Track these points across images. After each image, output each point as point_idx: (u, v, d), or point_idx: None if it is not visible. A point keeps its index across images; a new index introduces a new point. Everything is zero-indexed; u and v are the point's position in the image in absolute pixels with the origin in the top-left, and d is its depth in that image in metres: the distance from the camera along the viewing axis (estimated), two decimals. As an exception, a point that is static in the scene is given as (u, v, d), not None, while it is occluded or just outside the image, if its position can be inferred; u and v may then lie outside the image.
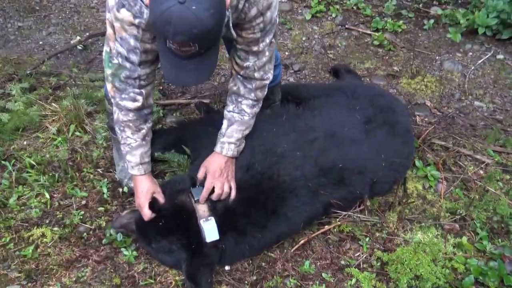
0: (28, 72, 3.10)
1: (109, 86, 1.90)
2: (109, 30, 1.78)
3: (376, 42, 3.74)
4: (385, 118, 2.50)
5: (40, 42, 3.55)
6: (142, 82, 1.86)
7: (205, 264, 1.99)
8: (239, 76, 2.00)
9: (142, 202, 1.97)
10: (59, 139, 2.66)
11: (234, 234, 2.04)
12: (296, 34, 3.82)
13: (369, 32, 3.84)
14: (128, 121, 1.94)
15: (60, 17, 3.77)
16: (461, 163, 2.80)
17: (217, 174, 2.03)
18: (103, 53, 1.88)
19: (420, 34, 3.88)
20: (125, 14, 1.68)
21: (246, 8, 1.74)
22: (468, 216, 2.45)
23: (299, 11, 4.05)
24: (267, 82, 2.03)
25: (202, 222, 1.96)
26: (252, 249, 2.10)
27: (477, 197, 2.52)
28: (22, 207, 2.29)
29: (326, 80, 3.46)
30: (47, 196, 2.34)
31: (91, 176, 2.50)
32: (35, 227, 2.20)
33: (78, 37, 3.57)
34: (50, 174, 2.44)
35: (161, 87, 3.26)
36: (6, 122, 2.67)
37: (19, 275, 2.00)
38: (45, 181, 2.40)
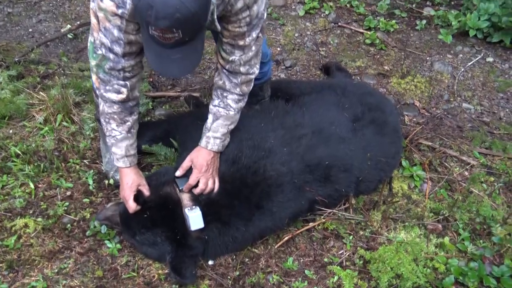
0: (17, 59, 3.06)
1: (94, 77, 1.88)
2: (93, 20, 1.74)
3: (368, 41, 3.75)
4: (373, 117, 2.51)
5: (30, 30, 3.51)
6: (127, 74, 1.84)
7: (189, 256, 2.00)
8: (224, 71, 1.98)
9: (127, 195, 1.96)
10: (46, 128, 2.64)
11: (217, 226, 2.04)
12: (289, 30, 3.81)
13: (361, 30, 3.85)
14: (112, 113, 1.92)
15: (51, 5, 3.72)
16: (446, 164, 2.82)
17: (203, 169, 2.02)
18: (88, 44, 1.85)
19: (412, 34, 3.90)
20: (108, 4, 1.63)
21: (232, 0, 1.72)
22: (451, 217, 2.48)
23: (293, 6, 4.04)
24: (253, 76, 2.01)
25: (187, 211, 1.96)
26: (235, 242, 2.11)
27: (460, 198, 2.55)
28: (6, 197, 2.28)
29: (317, 77, 3.47)
30: (32, 186, 2.32)
31: (77, 167, 2.48)
32: (18, 217, 2.19)
33: (69, 26, 3.53)
34: (36, 164, 2.42)
35: (151, 79, 3.24)
36: (-8, 109, 2.64)
37: (1, 265, 1.99)
38: (30, 171, 2.38)
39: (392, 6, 4.11)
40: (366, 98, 2.63)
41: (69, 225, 2.19)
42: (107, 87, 1.86)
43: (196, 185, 2.02)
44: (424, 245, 2.18)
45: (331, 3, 4.05)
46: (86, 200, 2.32)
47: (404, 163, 2.73)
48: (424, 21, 3.92)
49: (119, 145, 1.98)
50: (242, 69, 1.95)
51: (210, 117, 2.06)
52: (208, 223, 2.00)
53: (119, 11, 1.65)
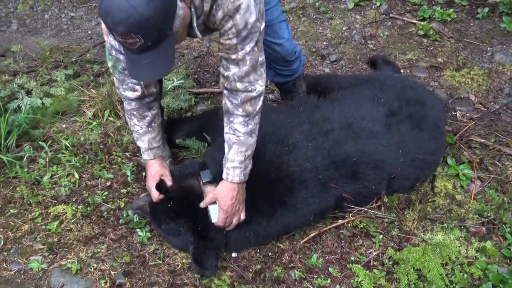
0: (74, 59, 3.31)
1: (113, 77, 1.99)
2: (103, 25, 1.79)
3: (421, 32, 3.55)
4: (411, 112, 2.38)
5: (89, 32, 3.77)
6: None
7: (210, 248, 2.04)
8: (225, 92, 1.91)
9: (150, 184, 2.06)
10: (94, 123, 2.83)
11: (240, 226, 2.06)
12: (337, 24, 3.73)
13: (414, 21, 3.66)
14: (132, 110, 2.02)
15: (109, 8, 3.97)
16: (499, 163, 2.60)
17: (229, 209, 1.98)
18: (106, 47, 1.94)
19: (471, 24, 3.63)
20: None
21: (214, 11, 1.70)
22: (498, 220, 2.28)
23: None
24: (254, 94, 1.86)
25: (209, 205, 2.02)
26: (258, 237, 2.11)
27: (510, 200, 2.34)
28: (54, 185, 2.47)
29: (364, 71, 3.36)
30: (77, 176, 2.50)
31: (119, 159, 2.63)
32: (62, 204, 2.37)
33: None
34: (82, 155, 2.61)
35: (196, 76, 3.34)
36: (49, 106, 2.89)
37: (43, 247, 2.17)
38: (76, 162, 2.57)
39: (452, -6, 3.85)
40: (406, 92, 2.50)
41: (105, 213, 2.33)
42: (124, 86, 1.95)
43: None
44: (458, 248, 2.02)
45: (383, -6, 3.89)
46: (124, 190, 2.46)
47: (449, 161, 2.55)
48: (486, 9, 3.63)
49: (142, 139, 2.07)
50: (239, 85, 1.84)
51: (226, 147, 1.98)
52: (242, 233, 2.05)
53: None
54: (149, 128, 2.07)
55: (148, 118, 2.05)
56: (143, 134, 2.07)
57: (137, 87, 1.94)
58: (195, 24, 1.70)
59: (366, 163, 2.16)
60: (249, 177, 2.04)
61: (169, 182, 2.09)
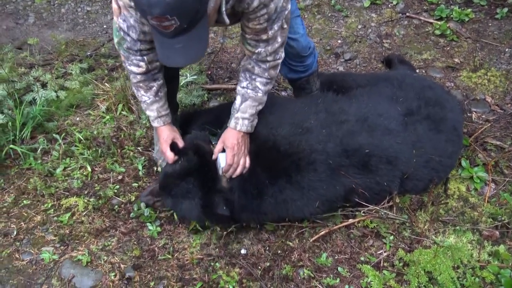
0: (89, 53, 3.34)
1: (119, 52, 2.04)
2: (114, 6, 1.85)
3: (437, 32, 3.50)
4: (429, 113, 2.35)
5: (104, 26, 3.80)
6: (144, 52, 1.95)
7: (219, 197, 2.05)
8: (254, 57, 2.00)
9: (164, 147, 2.10)
10: (108, 117, 2.85)
11: (246, 184, 2.07)
12: (352, 22, 3.69)
13: (431, 20, 3.61)
14: (138, 82, 2.06)
15: (124, 3, 3.99)
16: (515, 166, 2.55)
17: (236, 148, 2.05)
18: (113, 24, 1.97)
19: (490, 24, 3.57)
20: None
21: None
22: (512, 224, 2.24)
23: (359, -2, 3.90)
24: (280, 61, 2.03)
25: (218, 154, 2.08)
26: (261, 205, 2.09)
27: (525, 204, 2.30)
28: (66, 178, 2.50)
29: (378, 70, 3.32)
30: (89, 169, 2.53)
31: (131, 153, 2.65)
32: (74, 196, 2.39)
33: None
34: (94, 149, 2.63)
35: (209, 72, 3.34)
36: (63, 99, 2.91)
37: (54, 238, 2.20)
38: (89, 155, 2.59)
39: (471, -7, 3.80)
40: (425, 92, 2.47)
41: (116, 206, 2.35)
42: (129, 62, 2.00)
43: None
44: (470, 251, 1.99)
45: (400, -7, 3.84)
46: (135, 184, 2.47)
47: (464, 163, 2.52)
48: (505, 9, 3.56)
49: (151, 108, 2.12)
50: (269, 58, 1.97)
51: (238, 99, 2.09)
52: (237, 181, 2.05)
53: (133, 4, 1.74)
54: (156, 98, 2.11)
55: (154, 88, 2.09)
56: (151, 104, 2.11)
57: (141, 63, 1.98)
58: (223, 9, 1.70)
59: (379, 157, 2.13)
60: (260, 148, 2.09)
61: (180, 143, 2.14)
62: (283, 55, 2.02)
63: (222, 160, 2.05)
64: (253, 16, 1.78)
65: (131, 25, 1.83)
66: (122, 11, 1.81)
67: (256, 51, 1.93)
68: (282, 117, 2.22)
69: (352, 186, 2.10)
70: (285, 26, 1.89)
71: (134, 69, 2.00)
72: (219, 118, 2.56)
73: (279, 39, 1.90)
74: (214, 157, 2.10)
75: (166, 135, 2.14)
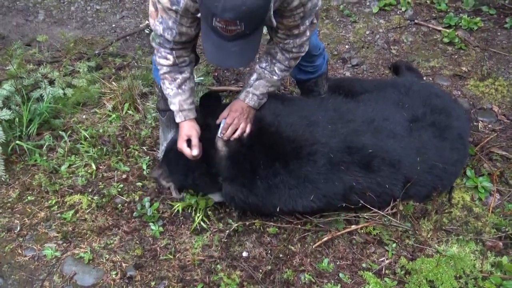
0: (97, 52, 3.36)
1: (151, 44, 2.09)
2: (151, 8, 1.94)
3: (446, 40, 3.49)
4: (435, 120, 2.34)
5: (113, 25, 3.81)
6: (174, 49, 1.99)
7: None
8: (280, 45, 2.07)
9: (180, 144, 2.10)
10: (114, 116, 2.86)
11: (238, 156, 2.10)
12: (360, 28, 3.69)
13: (440, 28, 3.59)
14: (164, 73, 2.08)
15: (133, 2, 4.01)
16: (521, 177, 2.54)
17: (238, 112, 2.11)
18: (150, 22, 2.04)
19: (498, 33, 3.55)
20: (163, 0, 1.79)
21: None
22: (516, 235, 2.23)
23: (367, 3, 3.90)
24: (303, 54, 2.12)
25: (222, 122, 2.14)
26: (251, 186, 2.09)
27: (530, 215, 2.28)
28: (71, 175, 2.51)
29: (385, 77, 3.31)
30: (94, 167, 2.54)
31: (136, 153, 2.65)
32: (78, 194, 2.40)
33: (147, 22, 3.77)
34: (100, 147, 2.64)
35: (216, 73, 3.34)
36: (70, 96, 2.93)
37: (57, 235, 2.21)
38: (94, 153, 2.60)
39: (480, 2, 3.78)
40: (431, 100, 2.47)
41: (120, 205, 2.36)
42: (158, 54, 2.04)
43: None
44: (473, 262, 1.98)
45: (409, 0, 3.83)
46: (139, 184, 2.48)
47: (469, 172, 2.51)
48: (515, 19, 3.55)
49: (173, 101, 2.11)
50: (294, 50, 2.06)
51: (254, 75, 2.15)
52: (232, 150, 2.09)
53: (174, 7, 1.80)
54: (179, 90, 2.09)
55: (178, 80, 2.08)
56: (174, 96, 2.10)
57: (169, 56, 2.01)
58: (272, 12, 1.74)
59: (382, 158, 2.13)
60: (263, 130, 2.14)
61: (195, 141, 2.09)
62: (307, 48, 2.10)
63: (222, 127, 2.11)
64: (289, 14, 1.84)
65: (169, 27, 1.87)
66: (160, 13, 1.87)
67: (285, 41, 2.01)
68: (292, 108, 2.26)
69: (352, 184, 2.09)
70: (315, 21, 1.99)
71: (162, 61, 2.04)
72: None
73: (308, 33, 2.00)
74: (218, 121, 2.15)
75: (184, 132, 2.13)
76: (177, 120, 2.14)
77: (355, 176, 2.08)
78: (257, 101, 2.15)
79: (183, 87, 2.11)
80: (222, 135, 2.10)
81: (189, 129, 2.12)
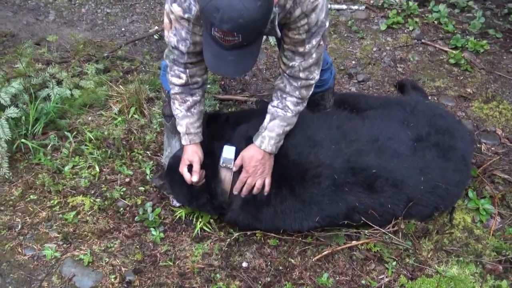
0: (105, 55, 3.37)
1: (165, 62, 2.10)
2: (165, 20, 1.94)
3: (452, 61, 3.52)
4: (439, 140, 2.35)
5: (123, 29, 3.84)
6: (188, 65, 2.00)
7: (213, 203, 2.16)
8: (285, 75, 2.03)
9: (181, 168, 2.10)
10: (119, 119, 2.87)
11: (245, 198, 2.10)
12: (367, 44, 3.72)
13: (446, 49, 3.63)
14: (175, 94, 2.08)
15: (144, 7, 4.04)
16: (522, 201, 2.55)
17: (251, 170, 2.05)
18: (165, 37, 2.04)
19: (504, 57, 3.59)
20: (176, 9, 1.82)
21: (291, 8, 1.78)
22: (516, 259, 2.23)
23: (375, 20, 3.94)
24: (313, 82, 2.05)
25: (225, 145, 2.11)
26: (259, 215, 2.12)
27: (530, 240, 2.29)
28: (74, 176, 2.51)
29: (390, 94, 3.34)
30: (97, 169, 2.54)
31: (140, 157, 2.66)
32: (81, 195, 2.40)
33: (156, 27, 3.80)
34: (104, 149, 2.64)
35: (222, 82, 3.36)
36: (77, 98, 2.94)
37: (58, 235, 2.21)
38: (98, 156, 2.60)
39: (487, 25, 3.83)
40: (436, 120, 2.48)
41: (122, 208, 2.36)
42: (171, 72, 2.04)
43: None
44: (472, 284, 1.98)
45: (417, 19, 3.87)
46: (142, 188, 2.48)
47: (471, 194, 2.51)
48: (521, 44, 3.59)
49: (181, 122, 2.11)
50: (301, 74, 1.99)
51: (268, 117, 2.09)
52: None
53: (186, 16, 1.83)
54: (188, 113, 2.10)
55: (188, 103, 2.09)
56: (182, 118, 2.10)
57: (183, 75, 2.02)
58: (276, 22, 1.75)
59: (385, 179, 2.14)
60: None
61: (196, 167, 2.09)
62: (317, 77, 2.04)
63: (225, 152, 2.08)
64: (294, 26, 1.83)
65: (182, 38, 1.88)
66: (173, 24, 1.88)
67: (291, 64, 1.97)
68: (295, 131, 2.22)
69: (355, 204, 2.11)
70: (321, 43, 1.94)
71: (175, 80, 2.04)
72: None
73: (314, 55, 1.94)
74: (236, 164, 2.11)
75: (186, 156, 2.11)
76: (182, 142, 2.15)
77: (358, 197, 2.10)
78: (274, 145, 2.06)
79: (192, 110, 2.11)
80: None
81: (192, 154, 2.11)
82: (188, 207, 2.30)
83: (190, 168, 2.08)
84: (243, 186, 2.08)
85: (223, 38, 1.58)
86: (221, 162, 2.10)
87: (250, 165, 2.06)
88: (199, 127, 2.16)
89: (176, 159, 2.22)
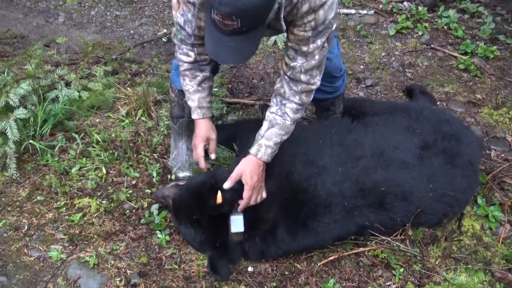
0: (114, 57, 3.39)
1: (177, 62, 2.13)
2: (173, 0, 1.95)
3: (461, 66, 3.49)
4: (446, 147, 2.33)
5: (131, 31, 3.86)
6: (195, 45, 2.01)
7: (226, 258, 2.06)
8: (286, 77, 1.99)
9: (197, 142, 2.12)
10: (127, 121, 2.87)
11: (259, 239, 2.06)
12: (376, 49, 3.70)
13: (456, 54, 3.60)
14: (185, 70, 2.10)
15: (153, 10, 4.06)
16: (532, 209, 2.51)
17: (255, 184, 1.99)
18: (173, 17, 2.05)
19: (514, 63, 3.55)
20: None
21: (299, 3, 1.74)
22: (526, 268, 2.19)
23: (384, 25, 3.92)
24: (314, 87, 1.99)
25: (231, 214, 2.01)
26: (274, 254, 2.12)
27: (541, 249, 2.25)
28: (81, 177, 2.51)
29: (399, 99, 3.31)
30: (104, 171, 2.54)
31: (147, 159, 2.66)
32: (87, 197, 2.40)
33: (165, 30, 3.81)
34: (111, 151, 2.64)
35: (230, 85, 3.36)
36: (85, 99, 2.95)
37: (64, 237, 2.20)
38: (105, 157, 2.60)
39: (497, 31, 3.79)
40: (442, 126, 2.45)
41: (128, 211, 2.35)
42: (180, 51, 2.06)
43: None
44: (482, 293, 1.95)
45: (426, 24, 3.85)
46: (148, 191, 2.48)
47: (480, 200, 2.48)
48: (531, 50, 3.55)
49: (192, 97, 2.12)
50: (302, 77, 1.94)
51: (265, 124, 2.04)
52: (251, 232, 2.03)
53: (191, 0, 1.84)
54: (199, 87, 2.11)
55: (199, 78, 2.10)
56: (193, 93, 2.12)
57: (191, 53, 2.04)
58: (282, 15, 1.72)
59: (394, 194, 2.12)
60: (277, 193, 2.05)
61: (213, 146, 2.12)
62: (318, 82, 1.98)
63: (234, 225, 1.98)
64: (300, 22, 1.80)
65: (188, 19, 1.90)
66: (181, 6, 1.90)
67: (292, 64, 1.92)
68: (296, 155, 2.18)
69: (365, 223, 2.10)
70: (326, 45, 1.89)
71: (184, 57, 2.06)
72: (234, 136, 2.59)
73: (317, 57, 1.89)
74: (226, 186, 2.00)
75: (202, 131, 2.12)
76: (194, 116, 2.16)
77: (368, 217, 2.08)
78: (270, 154, 2.02)
79: (203, 85, 2.13)
80: (233, 235, 2.02)
81: (208, 130, 2.12)
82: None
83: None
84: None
85: (222, 22, 1.56)
86: (231, 232, 2.01)
87: (253, 180, 1.98)
88: (210, 102, 2.18)
89: (179, 201, 2.16)
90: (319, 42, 1.86)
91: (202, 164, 2.18)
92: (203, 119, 2.16)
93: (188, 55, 2.05)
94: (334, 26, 1.89)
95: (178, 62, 2.13)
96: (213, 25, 1.63)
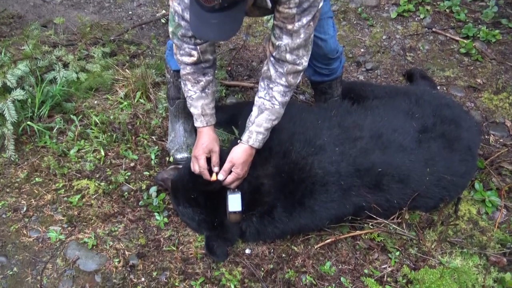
0: (112, 38, 3.36)
1: (172, 42, 2.02)
2: None
3: (462, 50, 3.46)
4: (444, 131, 2.33)
5: (130, 12, 3.81)
6: (197, 40, 1.94)
7: (223, 238, 2.08)
8: (271, 58, 1.95)
9: (199, 154, 2.02)
10: (125, 103, 2.86)
11: (257, 215, 2.07)
12: (377, 32, 3.66)
13: (457, 38, 3.56)
14: (187, 74, 2.02)
15: (152, -9, 4.00)
16: (529, 194, 2.52)
17: (242, 172, 2.01)
18: (170, 12, 1.97)
19: (516, 47, 3.52)
20: None
21: None
22: (521, 252, 2.21)
23: (386, 8, 3.87)
24: (300, 68, 1.93)
25: (228, 193, 2.01)
26: (272, 235, 2.13)
27: (536, 233, 2.27)
28: (79, 159, 2.52)
29: (399, 83, 3.30)
30: (103, 153, 2.54)
31: (145, 142, 2.66)
32: (86, 179, 2.41)
33: (164, 11, 3.77)
34: (109, 133, 2.64)
35: (229, 68, 3.34)
36: (83, 81, 2.93)
37: (63, 218, 2.22)
38: (103, 140, 2.60)
39: (500, 14, 3.75)
40: (442, 110, 2.44)
41: (126, 193, 2.36)
42: (181, 52, 1.98)
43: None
44: (476, 276, 1.97)
45: (428, 7, 3.80)
46: (146, 173, 2.48)
47: (477, 185, 2.49)
48: (534, 34, 3.51)
49: (195, 104, 2.05)
50: (288, 56, 1.89)
51: (255, 110, 2.01)
52: (248, 212, 2.04)
53: None
54: (203, 94, 2.04)
55: (202, 83, 2.03)
56: (197, 99, 2.05)
57: (194, 52, 1.96)
58: None
59: (391, 176, 2.12)
60: (274, 174, 2.06)
61: (215, 161, 2.04)
62: (305, 63, 1.94)
63: (232, 204, 1.99)
64: None
65: (186, 6, 1.83)
66: None
67: (277, 43, 1.88)
68: (294, 134, 2.17)
69: (362, 204, 2.11)
70: (311, 24, 1.84)
71: (185, 59, 1.98)
72: (234, 118, 2.56)
73: (302, 35, 1.84)
74: (220, 177, 2.01)
75: (205, 143, 2.04)
76: (197, 124, 2.08)
77: (365, 197, 2.09)
78: (261, 140, 2.01)
79: (206, 90, 2.05)
80: (231, 214, 2.01)
81: (211, 142, 2.04)
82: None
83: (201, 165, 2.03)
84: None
85: None
86: (229, 211, 2.00)
87: (243, 171, 2.01)
88: (214, 108, 2.11)
89: (177, 181, 2.18)
90: (304, 20, 1.81)
91: (207, 176, 2.04)
92: (207, 128, 2.07)
93: (190, 55, 1.96)
94: (321, 4, 1.83)
95: (172, 42, 2.02)
96: (196, 2, 1.60)
